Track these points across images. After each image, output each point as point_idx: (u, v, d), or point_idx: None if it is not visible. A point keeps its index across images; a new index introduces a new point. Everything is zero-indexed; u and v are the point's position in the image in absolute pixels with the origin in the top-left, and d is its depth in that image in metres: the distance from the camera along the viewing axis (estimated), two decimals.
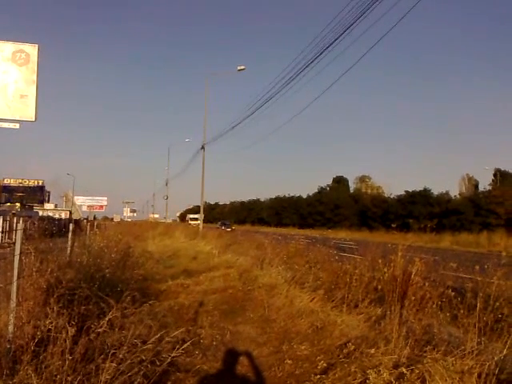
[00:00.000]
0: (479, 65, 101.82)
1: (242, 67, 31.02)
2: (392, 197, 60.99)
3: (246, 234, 25.79)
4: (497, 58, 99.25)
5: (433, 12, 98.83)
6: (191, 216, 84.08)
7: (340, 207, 64.82)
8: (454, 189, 66.69)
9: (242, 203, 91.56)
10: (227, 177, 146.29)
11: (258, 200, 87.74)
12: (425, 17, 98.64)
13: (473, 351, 4.28)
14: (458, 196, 56.90)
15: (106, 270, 8.04)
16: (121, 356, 3.90)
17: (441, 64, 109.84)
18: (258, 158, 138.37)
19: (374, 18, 12.47)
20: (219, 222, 63.54)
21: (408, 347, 4.84)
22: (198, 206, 41.63)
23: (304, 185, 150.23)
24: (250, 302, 8.90)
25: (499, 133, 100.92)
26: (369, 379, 4.36)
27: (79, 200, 65.00)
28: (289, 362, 5.49)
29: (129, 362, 3.90)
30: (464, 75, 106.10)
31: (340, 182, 76.10)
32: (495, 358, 4.15)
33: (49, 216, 39.12)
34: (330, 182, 76.78)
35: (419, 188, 55.07)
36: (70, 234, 11.07)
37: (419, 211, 51.69)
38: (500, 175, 55.85)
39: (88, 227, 16.50)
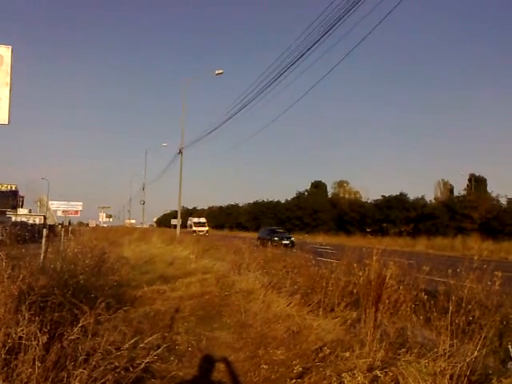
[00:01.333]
0: (453, 71, 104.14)
1: (220, 71, 31.14)
2: (369, 201, 61.70)
3: (224, 239, 25.75)
4: (471, 65, 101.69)
5: (409, 20, 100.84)
6: (195, 220, 63.66)
7: (318, 212, 65.16)
8: (429, 193, 67.66)
9: (221, 208, 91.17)
10: (205, 181, 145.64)
11: (237, 205, 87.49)
12: (400, 24, 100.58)
13: (445, 353, 4.35)
14: (433, 201, 57.77)
15: (81, 277, 7.92)
16: (94, 363, 3.84)
17: (417, 71, 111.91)
18: (236, 162, 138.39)
19: (349, 25, 12.69)
20: (265, 230, 37.81)
21: (382, 350, 4.90)
22: (176, 211, 40.68)
23: (282, 190, 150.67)
24: (227, 308, 8.88)
25: (474, 139, 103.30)
26: (343, 382, 4.40)
27: (54, 205, 63.84)
28: (265, 366, 5.49)
29: (102, 368, 3.85)
30: (440, 81, 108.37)
31: (318, 186, 76.41)
32: (467, 360, 4.23)
33: (22, 221, 38.27)
34: (308, 186, 77.17)
35: (396, 193, 55.89)
36: (43, 240, 10.86)
37: (396, 216, 52.35)
38: (475, 180, 57.01)
39: (62, 233, 16.21)
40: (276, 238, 27.44)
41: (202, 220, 63.50)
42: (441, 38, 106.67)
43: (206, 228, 59.91)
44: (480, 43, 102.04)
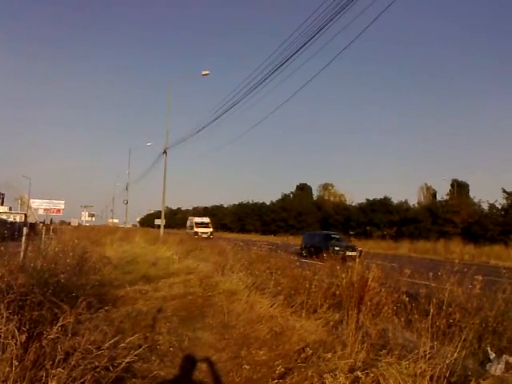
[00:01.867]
0: (439, 77, 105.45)
1: (207, 72, 31.11)
2: (353, 204, 62.07)
3: (208, 239, 25.70)
4: (457, 71, 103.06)
5: (397, 25, 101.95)
6: (197, 220, 54.83)
7: (303, 214, 65.35)
8: (413, 198, 68.37)
9: (205, 209, 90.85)
10: (190, 182, 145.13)
11: (222, 206, 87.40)
12: (388, 29, 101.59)
13: (426, 355, 4.40)
14: (416, 205, 58.38)
15: (61, 275, 7.80)
16: (73, 362, 3.79)
17: (403, 77, 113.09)
18: (221, 163, 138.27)
19: (340, 26, 12.73)
20: (315, 235, 27.97)
21: (364, 351, 4.94)
22: (160, 211, 39.93)
23: (268, 191, 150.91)
24: (210, 308, 8.84)
25: (458, 145, 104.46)
26: (325, 383, 4.41)
27: (35, 203, 62.94)
28: (247, 367, 5.48)
29: (81, 368, 3.80)
30: (426, 88, 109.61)
31: (303, 189, 76.75)
32: (446, 362, 4.29)
33: (1, 219, 37.61)
34: (293, 189, 77.44)
35: (380, 196, 56.35)
36: (23, 238, 10.70)
37: (379, 219, 52.77)
38: (457, 185, 57.64)
39: (43, 231, 15.99)
40: (337, 248, 19.83)
41: (206, 220, 54.73)
42: (429, 44, 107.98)
43: (211, 229, 52.05)
44: (469, 50, 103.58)
